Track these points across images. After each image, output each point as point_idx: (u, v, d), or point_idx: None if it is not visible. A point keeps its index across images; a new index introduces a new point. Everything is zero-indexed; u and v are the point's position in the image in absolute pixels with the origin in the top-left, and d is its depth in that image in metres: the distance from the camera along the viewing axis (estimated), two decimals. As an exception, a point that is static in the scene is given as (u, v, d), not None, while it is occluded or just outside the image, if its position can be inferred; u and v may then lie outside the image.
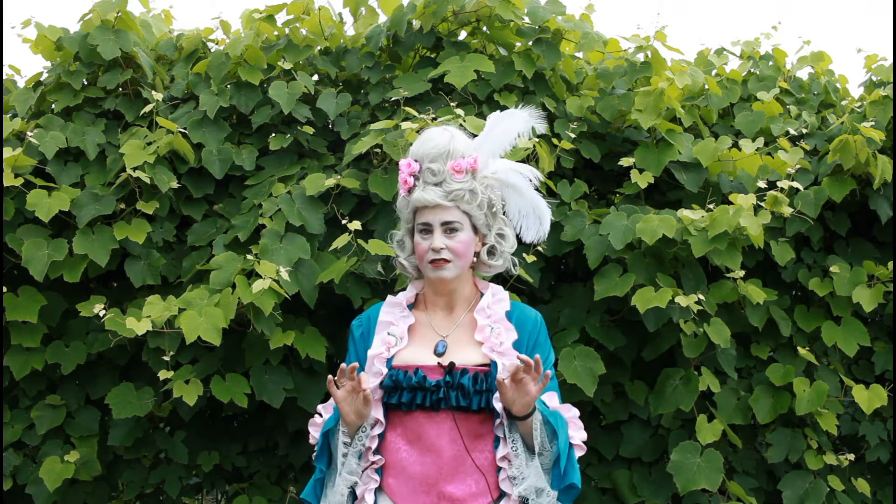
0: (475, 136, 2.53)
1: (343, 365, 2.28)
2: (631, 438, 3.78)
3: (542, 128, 2.53)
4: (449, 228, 2.35)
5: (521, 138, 2.50)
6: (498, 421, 2.33)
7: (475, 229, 2.40)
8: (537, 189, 2.51)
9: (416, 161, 2.39)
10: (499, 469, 2.34)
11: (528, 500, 2.31)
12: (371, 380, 2.36)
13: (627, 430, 3.79)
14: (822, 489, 3.71)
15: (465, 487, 2.31)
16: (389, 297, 2.49)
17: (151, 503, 3.93)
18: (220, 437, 3.91)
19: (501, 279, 3.49)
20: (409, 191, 2.40)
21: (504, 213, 2.48)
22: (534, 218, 2.49)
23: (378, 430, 2.36)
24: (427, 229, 2.36)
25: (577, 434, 2.39)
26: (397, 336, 2.38)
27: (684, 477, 3.51)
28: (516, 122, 2.47)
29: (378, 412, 2.35)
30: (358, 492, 2.37)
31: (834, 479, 3.76)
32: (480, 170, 2.40)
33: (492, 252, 2.44)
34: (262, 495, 3.82)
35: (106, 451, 3.78)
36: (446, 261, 2.34)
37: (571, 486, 2.33)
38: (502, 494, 2.34)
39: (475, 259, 2.43)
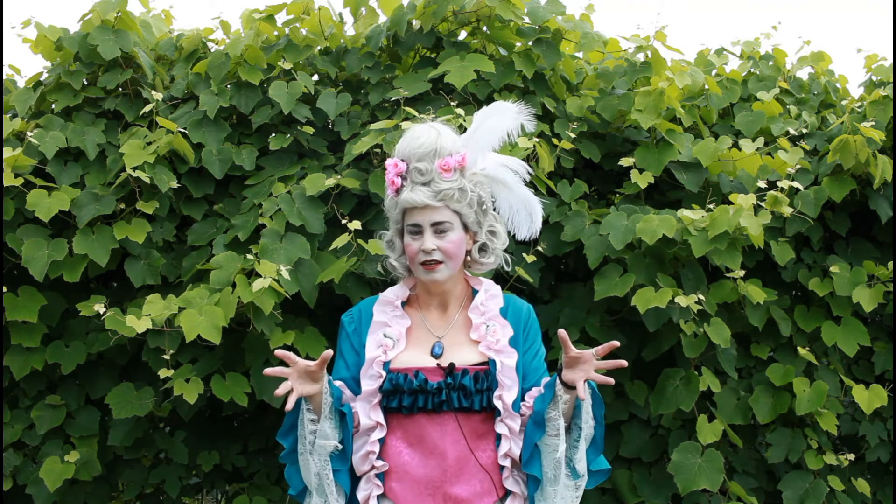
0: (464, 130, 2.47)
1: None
2: (631, 438, 3.78)
3: (531, 125, 2.45)
4: (439, 229, 2.31)
5: (511, 136, 2.42)
6: (499, 419, 2.32)
7: (466, 227, 2.36)
8: (528, 183, 2.46)
9: (402, 161, 2.33)
10: (502, 468, 2.33)
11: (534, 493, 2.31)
12: (369, 383, 2.34)
13: (627, 430, 3.79)
14: (822, 489, 3.71)
15: (470, 488, 2.30)
16: (382, 295, 2.44)
17: (151, 503, 3.94)
18: (220, 437, 3.91)
19: (502, 280, 3.50)
20: (397, 191, 2.34)
21: (495, 210, 2.44)
22: (525, 214, 2.43)
23: (379, 434, 2.33)
24: (417, 230, 2.32)
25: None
26: (394, 338, 2.35)
27: (685, 477, 3.51)
28: (505, 119, 2.39)
29: (378, 415, 2.32)
30: (360, 497, 2.33)
31: (834, 479, 3.76)
32: (469, 167, 2.34)
33: (483, 249, 2.40)
34: (262, 495, 3.82)
35: (106, 451, 3.78)
36: (438, 262, 2.30)
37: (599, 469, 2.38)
38: (507, 493, 2.34)
39: (467, 258, 2.39)
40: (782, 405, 3.73)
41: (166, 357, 3.44)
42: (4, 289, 3.63)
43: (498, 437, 2.33)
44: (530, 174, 2.47)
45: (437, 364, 2.32)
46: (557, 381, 2.26)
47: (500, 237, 2.42)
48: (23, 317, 3.60)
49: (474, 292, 2.44)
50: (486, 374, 2.31)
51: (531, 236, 2.46)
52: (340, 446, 2.30)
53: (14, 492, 3.76)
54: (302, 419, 2.31)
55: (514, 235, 2.48)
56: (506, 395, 2.30)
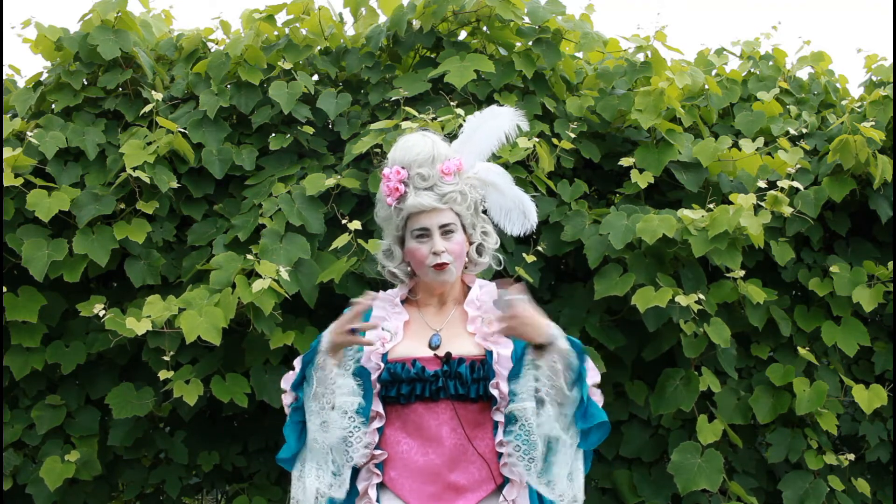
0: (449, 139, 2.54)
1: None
2: (631, 438, 3.78)
3: (526, 126, 2.55)
4: (446, 231, 2.37)
5: (509, 138, 2.50)
6: (495, 407, 2.34)
7: (464, 229, 2.42)
8: (522, 182, 2.52)
9: (403, 168, 2.40)
10: (499, 455, 2.35)
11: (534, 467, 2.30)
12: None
13: (627, 430, 3.79)
14: (822, 489, 3.71)
15: (468, 475, 2.33)
16: (381, 293, 2.50)
17: (151, 503, 3.94)
18: (220, 437, 3.91)
19: (501, 279, 3.50)
20: (400, 198, 2.40)
21: (484, 212, 2.50)
22: (518, 213, 2.50)
23: (378, 424, 2.37)
24: (425, 233, 2.37)
25: (592, 375, 2.39)
26: (391, 331, 2.40)
27: (685, 477, 3.51)
28: (501, 122, 2.47)
29: (377, 405, 2.36)
30: (360, 487, 2.37)
31: (834, 479, 3.76)
32: (465, 171, 2.42)
33: (479, 250, 2.47)
34: (262, 495, 3.82)
35: (106, 451, 3.78)
36: (447, 263, 2.36)
37: (598, 425, 2.33)
38: (505, 481, 2.36)
39: (465, 258, 2.44)
40: (782, 405, 3.73)
41: (166, 358, 3.44)
42: (4, 289, 3.63)
43: (495, 426, 2.35)
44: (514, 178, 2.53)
45: (434, 353, 2.36)
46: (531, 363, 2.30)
47: (491, 237, 2.49)
48: (23, 317, 3.60)
49: (469, 289, 2.48)
50: (482, 364, 2.34)
51: (525, 233, 2.52)
52: (364, 403, 2.32)
53: (14, 492, 3.76)
54: (325, 373, 2.32)
55: (509, 234, 2.53)
56: (503, 384, 2.33)
